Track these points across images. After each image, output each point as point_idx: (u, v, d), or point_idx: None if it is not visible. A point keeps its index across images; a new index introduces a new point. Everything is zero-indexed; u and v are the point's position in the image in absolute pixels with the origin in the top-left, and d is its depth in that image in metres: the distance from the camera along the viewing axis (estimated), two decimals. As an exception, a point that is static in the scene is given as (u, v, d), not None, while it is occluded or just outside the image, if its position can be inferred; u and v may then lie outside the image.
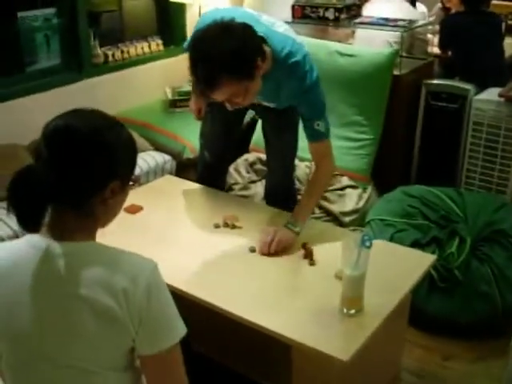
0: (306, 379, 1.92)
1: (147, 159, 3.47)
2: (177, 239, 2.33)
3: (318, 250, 2.20)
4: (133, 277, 1.25)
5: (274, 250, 2.21)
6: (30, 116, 3.43)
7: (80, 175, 1.27)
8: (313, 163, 2.51)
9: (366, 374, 2.05)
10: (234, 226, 2.43)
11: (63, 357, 1.27)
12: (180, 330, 1.31)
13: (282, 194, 2.80)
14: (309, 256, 2.18)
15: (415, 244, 2.73)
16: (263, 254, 2.22)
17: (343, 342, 1.79)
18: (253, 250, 2.23)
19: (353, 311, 1.87)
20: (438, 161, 3.65)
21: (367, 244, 1.76)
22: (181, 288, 1.98)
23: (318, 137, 2.35)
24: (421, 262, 2.20)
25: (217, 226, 2.43)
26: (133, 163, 1.41)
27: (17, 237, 2.53)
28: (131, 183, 1.42)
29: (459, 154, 3.60)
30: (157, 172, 3.47)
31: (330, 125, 2.37)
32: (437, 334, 2.72)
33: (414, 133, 3.70)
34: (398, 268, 2.14)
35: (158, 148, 3.61)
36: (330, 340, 1.78)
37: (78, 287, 1.24)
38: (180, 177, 3.13)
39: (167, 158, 3.54)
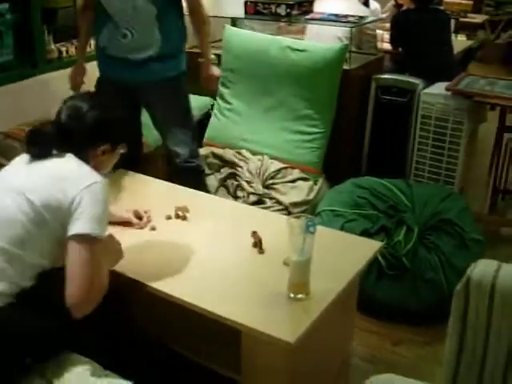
0: (255, 364, 1.96)
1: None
2: (128, 231, 2.35)
3: (267, 239, 2.24)
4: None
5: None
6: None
7: (77, 137, 1.86)
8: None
9: (314, 359, 2.10)
10: (184, 218, 2.47)
11: None
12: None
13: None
14: (258, 244, 2.22)
15: (364, 233, 2.80)
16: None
17: (290, 325, 1.83)
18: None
19: (299, 296, 1.91)
20: (387, 153, 3.74)
21: (311, 230, 1.80)
22: (131, 276, 2.01)
23: None
24: (368, 248, 2.25)
25: (168, 218, 2.46)
26: (122, 131, 2.00)
27: None
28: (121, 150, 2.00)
29: (408, 146, 3.70)
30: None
31: None
32: (386, 320, 2.80)
33: (365, 126, 3.79)
34: (345, 255, 2.20)
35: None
36: (278, 324, 1.82)
37: None
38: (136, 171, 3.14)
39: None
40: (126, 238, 2.16)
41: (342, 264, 2.13)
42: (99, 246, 1.75)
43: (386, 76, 3.76)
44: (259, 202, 3.22)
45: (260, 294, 1.96)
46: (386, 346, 2.68)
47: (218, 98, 3.86)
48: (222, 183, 3.37)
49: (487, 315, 1.55)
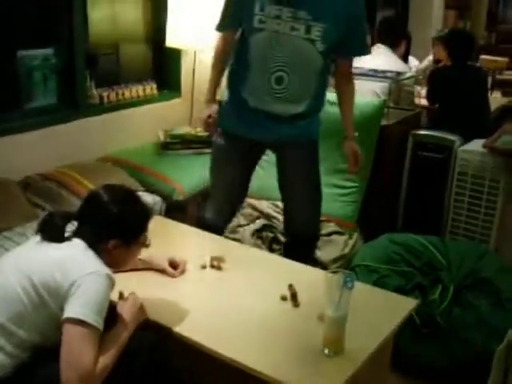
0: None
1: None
2: (163, 279, 2.36)
3: (302, 292, 2.23)
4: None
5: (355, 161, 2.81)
6: (23, 152, 3.49)
7: (90, 226, 1.90)
8: None
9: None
10: (219, 268, 2.47)
11: None
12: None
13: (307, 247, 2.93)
14: (293, 297, 2.21)
15: (398, 290, 2.76)
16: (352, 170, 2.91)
17: (324, 382, 1.81)
18: (284, 299, 2.24)
19: (334, 352, 1.89)
20: (423, 209, 3.72)
21: (349, 285, 1.80)
22: (169, 326, 2.02)
23: (363, 51, 2.73)
24: (403, 306, 2.23)
25: (203, 267, 2.47)
26: (138, 230, 1.98)
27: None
28: (145, 242, 2.03)
29: (444, 203, 3.68)
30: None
31: None
32: (418, 378, 2.75)
33: (401, 181, 3.79)
34: (380, 311, 2.18)
35: (148, 189, 3.66)
36: (312, 380, 1.81)
37: None
38: (170, 218, 3.17)
39: (157, 199, 3.59)
40: (159, 285, 2.18)
41: (378, 321, 2.12)
42: (94, 335, 1.71)
43: (423, 132, 3.77)
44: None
45: (294, 348, 1.95)
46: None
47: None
48: (258, 235, 3.37)
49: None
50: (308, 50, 2.51)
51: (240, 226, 3.46)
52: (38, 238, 1.91)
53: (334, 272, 1.91)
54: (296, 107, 2.66)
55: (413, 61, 4.79)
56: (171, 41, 4.16)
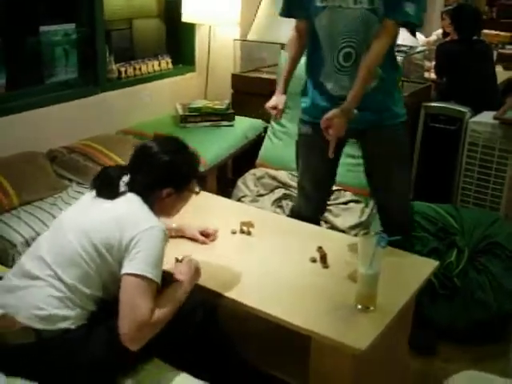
0: (322, 372, 2.06)
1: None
2: (196, 246, 2.48)
3: (331, 255, 2.37)
4: None
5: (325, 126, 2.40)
6: (47, 126, 3.60)
7: (143, 177, 1.97)
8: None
9: (377, 369, 2.21)
10: (249, 233, 2.60)
11: None
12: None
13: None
14: (323, 259, 2.35)
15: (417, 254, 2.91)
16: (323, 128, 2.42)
17: (360, 333, 1.94)
18: (313, 261, 2.36)
19: (367, 307, 2.03)
20: (435, 179, 3.86)
21: (383, 244, 1.93)
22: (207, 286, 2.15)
23: (400, 16, 2.35)
24: (425, 267, 2.37)
25: (233, 232, 2.60)
26: (189, 177, 2.06)
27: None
28: (196, 189, 2.10)
29: (455, 172, 3.81)
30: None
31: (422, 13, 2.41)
32: (438, 338, 2.90)
33: (413, 152, 3.91)
34: (405, 272, 2.32)
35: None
36: (347, 332, 1.93)
37: None
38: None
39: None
40: (193, 251, 2.30)
41: (403, 280, 2.25)
42: (151, 287, 1.81)
43: (435, 104, 3.89)
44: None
45: (328, 305, 2.07)
46: (436, 362, 2.77)
47: (272, 122, 4.01)
48: (277, 204, 3.49)
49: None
50: (373, 20, 2.40)
51: (260, 195, 3.58)
52: (92, 193, 1.99)
53: (365, 233, 2.04)
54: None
55: (420, 36, 4.89)
56: (186, 15, 4.25)
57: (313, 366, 2.07)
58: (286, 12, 2.67)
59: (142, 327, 1.77)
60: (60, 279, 1.84)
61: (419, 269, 2.35)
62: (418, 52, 4.24)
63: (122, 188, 1.97)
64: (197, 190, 2.11)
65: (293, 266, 2.34)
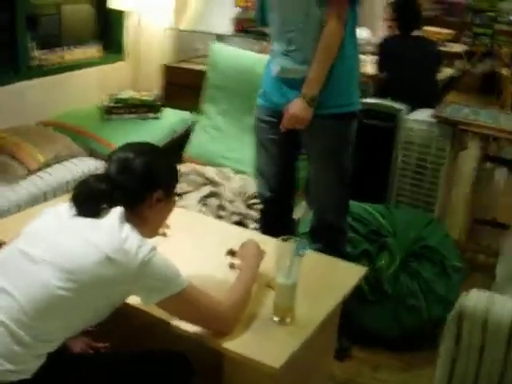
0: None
1: (80, 165, 3.40)
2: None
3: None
4: None
5: (288, 124, 2.49)
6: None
7: (130, 187, 1.75)
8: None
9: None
10: (164, 234, 2.41)
11: None
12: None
13: (327, 230, 2.70)
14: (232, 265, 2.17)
15: (345, 257, 2.78)
16: (285, 128, 2.52)
17: (275, 349, 1.78)
18: (232, 266, 2.16)
19: (284, 320, 1.87)
20: (369, 177, 3.72)
21: (301, 252, 1.78)
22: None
23: None
24: (353, 273, 2.23)
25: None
26: (174, 180, 1.92)
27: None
28: (176, 198, 1.96)
29: (390, 171, 3.69)
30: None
31: None
32: (365, 345, 2.78)
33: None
34: (330, 279, 2.17)
35: (92, 154, 3.56)
36: (262, 348, 1.77)
37: None
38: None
39: (100, 165, 3.48)
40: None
41: (327, 288, 2.10)
42: (190, 290, 1.73)
43: (369, 100, 3.76)
44: (241, 224, 3.17)
45: (245, 317, 1.91)
46: (365, 371, 2.66)
47: (201, 115, 3.84)
48: (203, 202, 3.31)
49: (480, 343, 1.53)
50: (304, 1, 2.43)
51: (185, 192, 3.39)
52: (70, 211, 1.73)
53: (286, 239, 1.88)
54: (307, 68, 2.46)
55: (364, 31, 4.78)
56: (113, 2, 4.02)
57: (226, 381, 1.91)
58: (260, 23, 2.74)
59: (224, 317, 1.78)
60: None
61: (346, 276, 2.20)
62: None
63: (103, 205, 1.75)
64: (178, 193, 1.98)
65: (206, 271, 2.15)
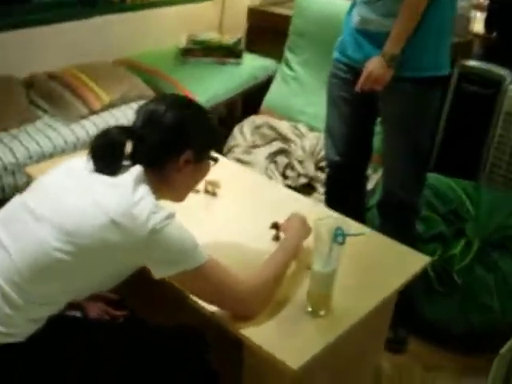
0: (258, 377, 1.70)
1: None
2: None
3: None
4: None
5: (365, 83, 2.18)
6: (33, 49, 3.25)
7: (154, 142, 1.54)
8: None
9: (331, 379, 1.82)
10: (214, 193, 2.21)
11: None
12: None
13: (396, 207, 2.40)
14: (278, 239, 1.93)
15: (417, 238, 2.48)
16: (360, 89, 2.21)
17: (299, 346, 1.54)
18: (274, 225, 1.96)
19: (318, 311, 1.62)
20: (461, 149, 3.33)
21: (339, 240, 1.51)
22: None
23: None
24: (414, 262, 1.93)
25: (196, 191, 2.20)
26: (208, 141, 1.66)
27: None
28: (212, 163, 1.69)
29: (486, 144, 3.28)
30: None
31: None
32: (425, 339, 2.49)
33: (440, 116, 3.38)
34: (386, 266, 1.88)
35: (161, 96, 3.38)
36: (286, 342, 1.54)
37: None
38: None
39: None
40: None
41: (380, 277, 1.82)
42: (211, 264, 1.52)
43: (470, 63, 3.33)
44: (309, 186, 2.91)
45: (274, 301, 1.67)
46: (416, 370, 2.36)
47: (282, 63, 3.55)
48: (272, 159, 3.07)
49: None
50: None
51: (255, 146, 3.15)
52: (87, 166, 1.54)
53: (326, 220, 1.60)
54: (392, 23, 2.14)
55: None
56: None
57: (247, 369, 1.70)
58: None
59: (254, 294, 1.57)
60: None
61: (406, 264, 1.91)
62: (464, -1, 3.65)
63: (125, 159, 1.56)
64: (216, 156, 1.71)
65: (248, 243, 1.93)
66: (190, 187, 1.71)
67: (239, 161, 3.00)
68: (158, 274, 1.49)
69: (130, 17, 3.70)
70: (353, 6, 2.34)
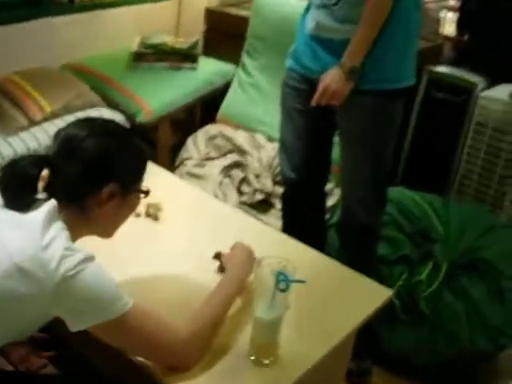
0: None
1: (94, 116, 2.98)
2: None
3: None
4: None
5: (321, 98, 1.97)
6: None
7: (72, 171, 1.33)
8: None
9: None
10: (156, 217, 1.99)
11: None
12: None
13: (355, 229, 2.20)
14: (221, 269, 1.72)
15: (382, 260, 2.30)
16: (316, 103, 1.99)
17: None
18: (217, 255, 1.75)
19: (263, 360, 1.42)
20: (430, 160, 3.15)
21: (281, 287, 1.30)
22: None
23: None
24: (375, 294, 1.73)
25: (137, 215, 1.98)
26: (137, 172, 1.45)
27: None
28: (142, 196, 1.49)
29: (456, 156, 3.10)
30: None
31: None
32: (390, 370, 2.31)
33: (407, 124, 3.19)
34: (343, 301, 1.68)
35: (111, 106, 3.13)
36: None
37: None
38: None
39: (119, 118, 3.06)
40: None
41: (337, 315, 1.63)
42: (135, 312, 1.29)
43: (439, 69, 3.15)
44: (266, 202, 2.71)
45: (214, 347, 1.46)
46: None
47: (239, 68, 3.35)
48: (227, 173, 2.85)
49: None
50: None
51: (209, 158, 2.94)
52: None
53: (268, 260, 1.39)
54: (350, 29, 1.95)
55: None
56: None
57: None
58: None
59: (183, 347, 1.36)
60: None
61: (364, 298, 1.71)
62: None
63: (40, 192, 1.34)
64: (146, 190, 1.49)
65: (190, 274, 1.71)
66: (117, 222, 1.50)
67: (191, 175, 2.79)
68: (73, 326, 1.26)
69: (79, 18, 3.46)
70: (307, 10, 2.13)
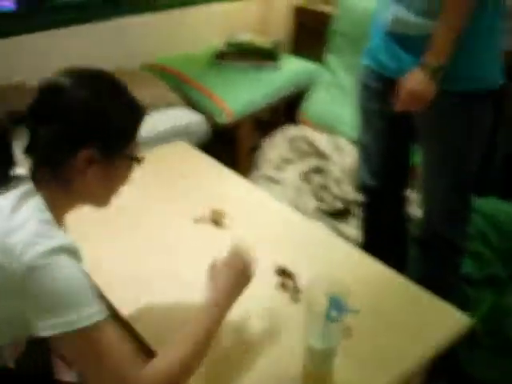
0: None
1: (172, 116, 2.94)
2: (146, 231, 1.83)
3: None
4: None
5: (403, 104, 1.80)
6: (53, 52, 3.00)
7: (47, 129, 1.17)
8: None
9: None
10: (217, 224, 1.90)
11: None
12: None
13: (436, 243, 2.04)
14: (290, 288, 1.60)
15: (465, 279, 2.10)
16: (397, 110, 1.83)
17: None
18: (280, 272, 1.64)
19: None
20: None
21: (333, 317, 1.16)
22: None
23: None
24: (451, 323, 1.55)
25: (196, 220, 1.90)
26: (123, 133, 1.23)
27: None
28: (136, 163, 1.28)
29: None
30: (188, 133, 2.94)
31: None
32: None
33: (496, 130, 2.92)
34: (413, 328, 1.52)
35: (191, 105, 3.07)
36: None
37: None
38: (214, 144, 2.73)
39: (199, 119, 3.00)
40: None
41: (402, 344, 1.46)
42: (102, 329, 1.11)
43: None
44: (346, 213, 2.56)
45: (274, 368, 1.34)
46: None
47: (325, 67, 3.20)
48: (306, 177, 2.72)
49: None
50: None
51: (288, 160, 2.81)
52: None
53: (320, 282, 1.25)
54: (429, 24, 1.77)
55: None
56: None
57: None
58: None
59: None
60: None
61: (436, 326, 1.54)
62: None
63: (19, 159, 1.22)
64: (140, 155, 1.29)
65: (250, 290, 1.60)
66: (107, 192, 1.29)
67: (267, 178, 2.68)
68: (43, 330, 1.08)
69: (159, 17, 3.43)
70: (382, 3, 1.95)
